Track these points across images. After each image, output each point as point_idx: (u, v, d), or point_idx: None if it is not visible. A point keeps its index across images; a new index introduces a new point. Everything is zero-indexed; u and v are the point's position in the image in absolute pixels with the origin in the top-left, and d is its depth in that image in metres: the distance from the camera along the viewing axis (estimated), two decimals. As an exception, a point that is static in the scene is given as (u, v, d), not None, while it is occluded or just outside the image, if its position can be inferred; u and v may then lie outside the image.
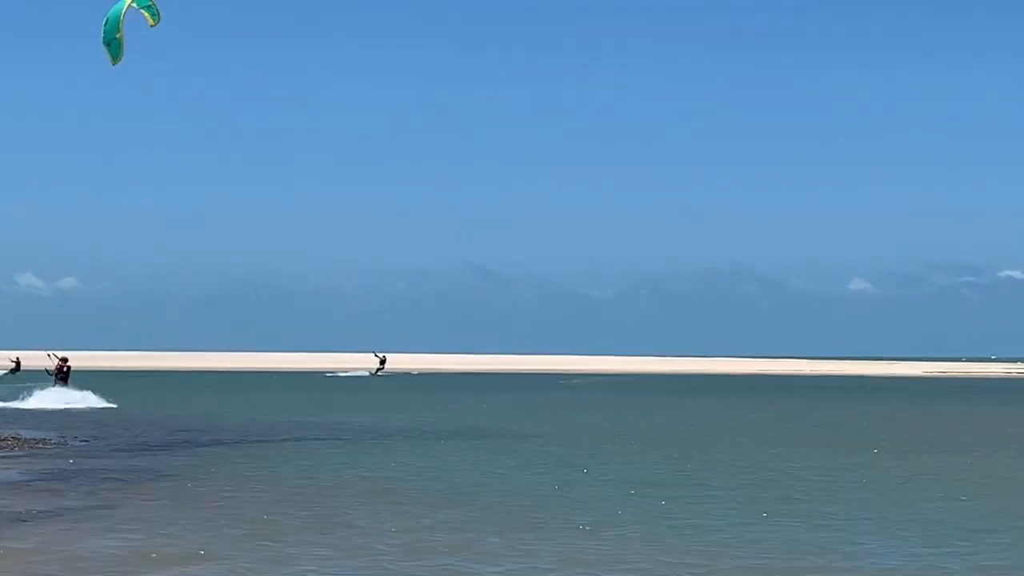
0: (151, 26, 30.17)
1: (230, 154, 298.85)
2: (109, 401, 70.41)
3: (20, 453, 41.42)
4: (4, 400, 69.71)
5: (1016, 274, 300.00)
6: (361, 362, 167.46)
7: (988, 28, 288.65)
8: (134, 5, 29.82)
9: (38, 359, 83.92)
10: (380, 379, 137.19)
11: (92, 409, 67.99)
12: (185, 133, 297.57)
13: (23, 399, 69.73)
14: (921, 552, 23.17)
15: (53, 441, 46.18)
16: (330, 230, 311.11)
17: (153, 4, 29.73)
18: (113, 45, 29.66)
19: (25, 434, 48.65)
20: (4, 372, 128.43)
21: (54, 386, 72.83)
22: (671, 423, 60.45)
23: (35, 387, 72.26)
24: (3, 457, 39.91)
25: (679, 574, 21.14)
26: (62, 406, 68.09)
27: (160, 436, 49.46)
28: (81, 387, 72.53)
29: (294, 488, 32.17)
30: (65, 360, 71.06)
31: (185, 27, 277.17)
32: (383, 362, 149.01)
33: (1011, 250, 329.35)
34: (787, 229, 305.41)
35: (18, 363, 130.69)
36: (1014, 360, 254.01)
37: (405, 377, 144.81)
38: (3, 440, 45.42)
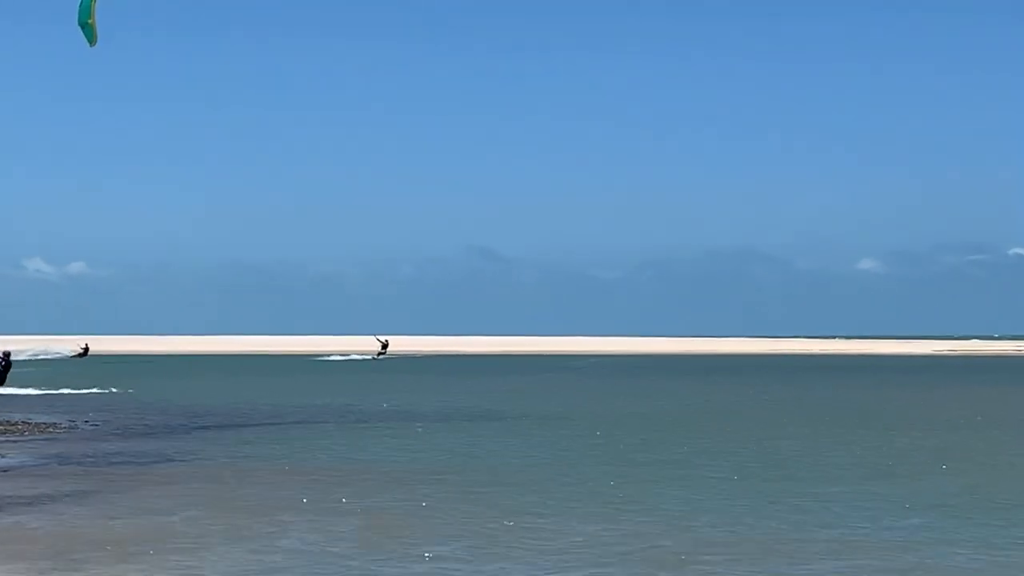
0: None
1: (236, 139, 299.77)
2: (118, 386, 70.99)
3: (31, 437, 41.94)
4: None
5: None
6: (363, 345, 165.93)
7: (994, 4, 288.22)
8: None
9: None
10: (381, 361, 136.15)
11: (102, 393, 68.57)
12: (191, 118, 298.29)
13: None
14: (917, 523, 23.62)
15: (63, 425, 46.71)
16: (335, 215, 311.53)
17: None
18: (86, 29, 29.88)
19: (36, 418, 49.24)
20: (72, 355, 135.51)
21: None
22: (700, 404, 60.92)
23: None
24: (14, 441, 40.44)
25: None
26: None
27: (168, 420, 49.98)
28: (93, 370, 73.04)
29: (305, 469, 32.67)
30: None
31: (193, 11, 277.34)
32: (385, 346, 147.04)
33: (1019, 228, 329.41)
34: (792, 209, 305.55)
35: (86, 348, 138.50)
36: (1022, 337, 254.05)
37: (412, 360, 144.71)
38: (14, 424, 45.98)
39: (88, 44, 30.19)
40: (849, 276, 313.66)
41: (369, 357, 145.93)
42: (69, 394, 67.47)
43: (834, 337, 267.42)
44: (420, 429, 45.07)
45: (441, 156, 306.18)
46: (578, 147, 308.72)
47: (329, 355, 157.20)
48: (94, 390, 71.11)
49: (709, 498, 27.42)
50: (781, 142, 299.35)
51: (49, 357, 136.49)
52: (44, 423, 47.14)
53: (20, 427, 45.19)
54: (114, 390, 71.28)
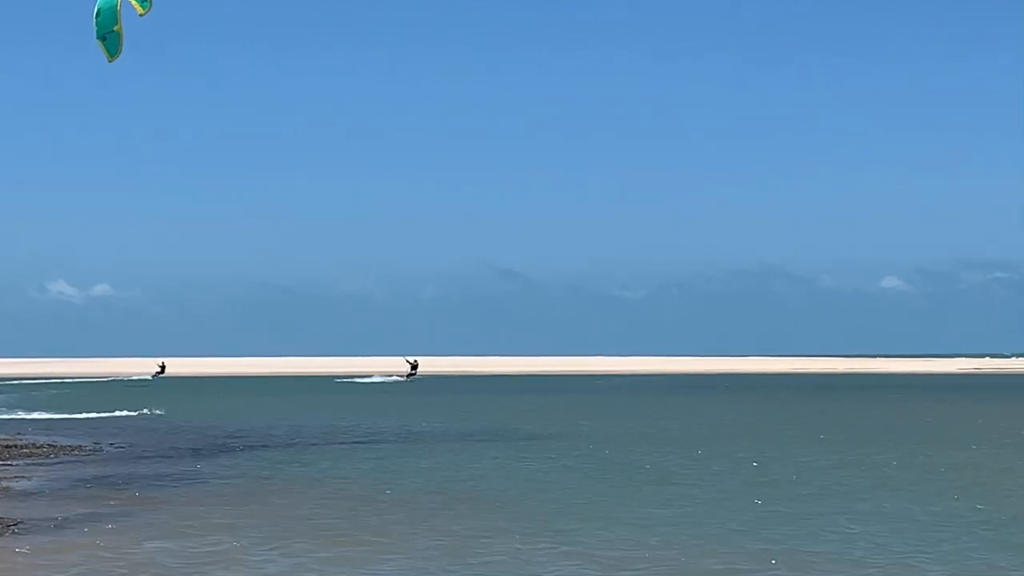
0: (140, 15, 28.66)
1: (261, 160, 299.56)
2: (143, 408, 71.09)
3: (56, 460, 41.89)
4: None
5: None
6: (392, 366, 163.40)
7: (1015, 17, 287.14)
8: None
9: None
10: (414, 382, 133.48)
11: (126, 415, 68.60)
12: (214, 139, 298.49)
13: None
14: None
15: (88, 448, 46.67)
16: (360, 236, 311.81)
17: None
18: (110, 39, 27.19)
19: (61, 441, 49.22)
20: (153, 375, 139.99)
21: None
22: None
23: None
24: (40, 464, 40.40)
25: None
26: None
27: (192, 441, 49.90)
28: (118, 393, 73.29)
29: (325, 491, 32.52)
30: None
31: (213, 34, 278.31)
32: (415, 367, 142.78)
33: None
34: (815, 228, 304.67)
35: (163, 366, 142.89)
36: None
37: (439, 380, 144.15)
38: (39, 447, 45.94)
39: (108, 58, 29.00)
40: (873, 294, 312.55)
41: (393, 378, 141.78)
42: (93, 417, 67.46)
43: (859, 355, 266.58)
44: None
45: (464, 176, 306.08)
46: (600, 167, 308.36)
47: (356, 376, 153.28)
48: (117, 413, 71.13)
49: (697, 514, 27.22)
50: (804, 161, 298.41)
51: (135, 379, 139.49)
52: (69, 446, 47.10)
53: (45, 450, 45.15)
54: (139, 412, 71.26)
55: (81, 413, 71.12)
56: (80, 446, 47.27)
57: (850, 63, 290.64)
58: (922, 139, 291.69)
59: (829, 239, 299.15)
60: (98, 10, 27.87)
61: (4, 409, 76.00)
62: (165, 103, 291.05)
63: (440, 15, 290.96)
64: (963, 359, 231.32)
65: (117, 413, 70.69)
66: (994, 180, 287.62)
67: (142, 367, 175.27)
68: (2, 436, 50.95)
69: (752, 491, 31.85)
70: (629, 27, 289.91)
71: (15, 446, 46.11)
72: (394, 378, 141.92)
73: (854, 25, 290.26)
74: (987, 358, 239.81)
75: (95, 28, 28.03)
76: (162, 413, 70.83)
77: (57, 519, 27.47)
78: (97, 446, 47.57)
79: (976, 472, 36.51)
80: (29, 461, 41.24)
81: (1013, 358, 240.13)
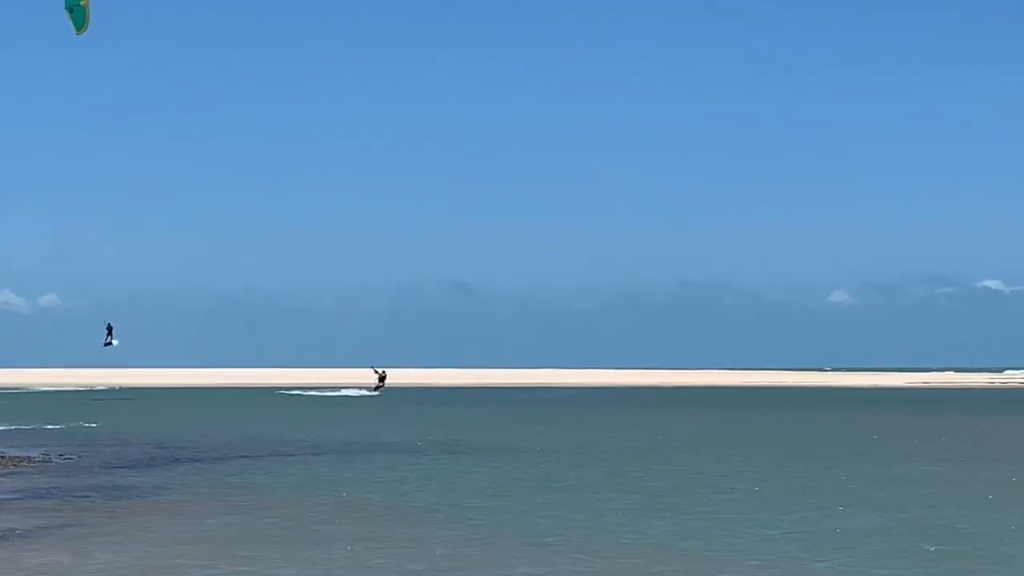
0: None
1: (210, 171, 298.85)
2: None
3: (3, 471, 41.89)
4: None
5: (993, 284, 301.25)
6: (355, 378, 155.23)
7: (962, 35, 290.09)
8: None
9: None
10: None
11: (75, 427, 68.48)
12: (165, 149, 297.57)
13: None
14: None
15: (36, 459, 46.71)
16: (310, 247, 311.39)
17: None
18: (77, 12, 27.03)
19: (8, 452, 49.20)
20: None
21: None
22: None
23: None
24: (-13, 475, 40.42)
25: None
26: None
27: (141, 453, 49.98)
28: (65, 404, 73.07)
29: (265, 501, 32.78)
30: None
31: (178, 39, 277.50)
32: (383, 378, 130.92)
33: (988, 260, 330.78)
34: (763, 242, 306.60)
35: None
36: (992, 370, 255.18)
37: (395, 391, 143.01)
38: (-14, 458, 45.95)
39: (75, 31, 27.21)
40: (821, 308, 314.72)
41: (366, 392, 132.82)
42: (43, 428, 67.34)
43: (808, 369, 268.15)
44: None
45: (413, 189, 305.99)
46: (549, 180, 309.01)
47: (323, 387, 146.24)
48: (66, 424, 71.00)
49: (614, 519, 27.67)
50: (751, 175, 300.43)
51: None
52: (17, 456, 47.11)
53: (-8, 461, 45.14)
54: (86, 424, 71.14)
55: (29, 424, 70.97)
56: (28, 457, 47.28)
57: (798, 79, 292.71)
58: (865, 154, 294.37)
59: (776, 253, 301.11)
60: None
61: (-49, 420, 75.69)
62: (112, 108, 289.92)
63: (397, 28, 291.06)
64: (912, 373, 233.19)
65: (65, 424, 70.55)
66: (939, 193, 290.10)
67: (91, 378, 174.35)
68: (-51, 447, 50.84)
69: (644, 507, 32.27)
70: (585, 39, 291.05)
71: (-38, 457, 46.13)
72: (362, 392, 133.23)
73: (801, 43, 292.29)
74: (935, 372, 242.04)
75: None
76: (110, 425, 70.73)
77: (4, 531, 27.61)
78: (46, 457, 47.60)
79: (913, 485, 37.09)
80: (-24, 472, 41.26)
81: (972, 372, 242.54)
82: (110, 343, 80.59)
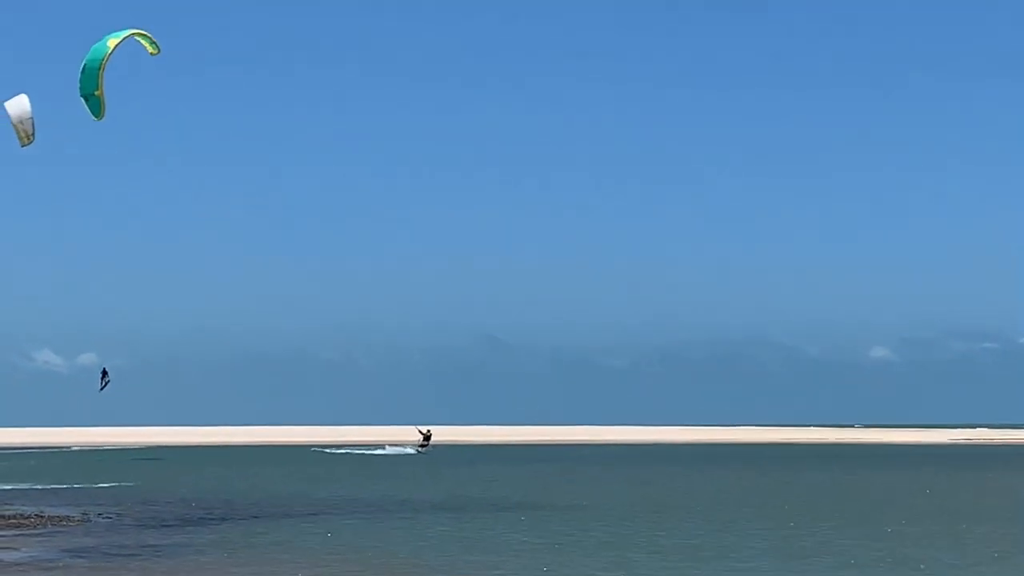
0: (151, 55, 28.06)
1: (244, 226, 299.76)
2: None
3: (44, 531, 42.63)
4: None
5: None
6: (398, 436, 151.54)
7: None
8: (136, 36, 27.54)
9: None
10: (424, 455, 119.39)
11: (114, 486, 69.19)
12: (194, 198, 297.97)
13: None
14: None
15: (76, 518, 47.41)
16: (344, 302, 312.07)
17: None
18: (92, 101, 27.70)
19: (49, 511, 49.94)
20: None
21: None
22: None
23: None
24: (28, 535, 41.12)
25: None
26: None
27: (176, 512, 50.62)
28: (104, 462, 73.70)
29: (312, 558, 33.38)
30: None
31: (185, 80, 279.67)
32: (428, 437, 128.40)
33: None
34: (802, 296, 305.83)
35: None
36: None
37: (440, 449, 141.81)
38: (27, 518, 46.70)
39: (94, 118, 28.18)
40: (861, 364, 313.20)
41: (407, 450, 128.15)
42: (81, 487, 68.07)
43: (848, 426, 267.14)
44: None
45: (444, 243, 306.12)
46: (583, 234, 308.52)
47: (362, 446, 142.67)
48: (104, 484, 71.70)
49: None
50: (789, 229, 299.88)
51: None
52: (57, 516, 47.83)
53: (33, 521, 45.89)
54: (124, 483, 71.81)
55: (68, 483, 71.73)
56: (68, 516, 48.01)
57: (826, 136, 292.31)
58: (904, 212, 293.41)
59: (815, 308, 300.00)
60: (83, 66, 27.81)
61: (-9, 479, 76.56)
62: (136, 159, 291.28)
63: (417, 66, 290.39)
64: (955, 429, 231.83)
65: (104, 484, 71.27)
66: (978, 252, 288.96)
67: (129, 436, 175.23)
68: (-10, 507, 51.63)
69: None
70: (608, 86, 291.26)
71: (2, 516, 46.90)
72: (408, 450, 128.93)
73: (846, 83, 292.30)
74: (980, 428, 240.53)
75: (79, 85, 28.10)
76: (149, 484, 71.43)
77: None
78: (85, 516, 48.32)
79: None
80: (17, 532, 41.98)
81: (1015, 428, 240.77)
82: (106, 385, 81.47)
